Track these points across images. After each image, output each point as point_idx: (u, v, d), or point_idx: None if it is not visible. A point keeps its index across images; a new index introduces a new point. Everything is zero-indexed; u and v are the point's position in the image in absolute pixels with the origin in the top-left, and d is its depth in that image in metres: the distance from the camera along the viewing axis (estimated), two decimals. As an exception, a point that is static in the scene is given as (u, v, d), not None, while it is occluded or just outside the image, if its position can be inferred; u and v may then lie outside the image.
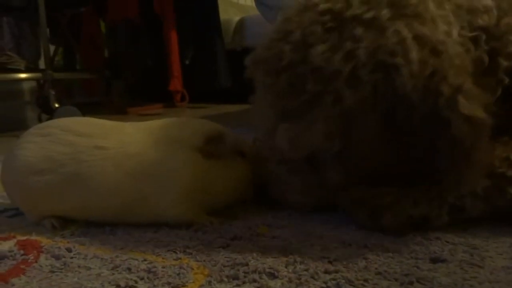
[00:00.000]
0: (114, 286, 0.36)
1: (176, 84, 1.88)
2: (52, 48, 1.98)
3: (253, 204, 0.53)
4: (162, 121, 0.51)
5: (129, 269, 0.39)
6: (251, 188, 0.52)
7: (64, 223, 0.50)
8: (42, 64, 1.67)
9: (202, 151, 0.48)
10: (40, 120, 1.54)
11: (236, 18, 2.19)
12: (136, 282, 0.36)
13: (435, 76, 0.38)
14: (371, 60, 0.39)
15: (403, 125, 0.40)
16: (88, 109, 2.09)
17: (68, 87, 2.39)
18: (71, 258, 0.42)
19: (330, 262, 0.39)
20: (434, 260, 0.38)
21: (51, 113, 1.36)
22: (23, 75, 1.44)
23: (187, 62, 2.01)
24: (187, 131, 0.49)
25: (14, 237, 0.48)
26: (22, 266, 0.40)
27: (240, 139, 0.52)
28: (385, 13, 0.41)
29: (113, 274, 0.38)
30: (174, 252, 0.42)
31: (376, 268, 0.37)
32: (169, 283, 0.36)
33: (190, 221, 0.47)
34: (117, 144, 0.47)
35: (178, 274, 0.37)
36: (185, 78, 2.00)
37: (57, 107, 1.36)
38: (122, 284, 0.36)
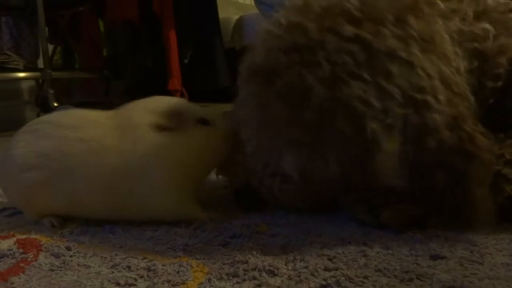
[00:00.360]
0: (114, 285, 0.36)
1: (175, 83, 1.87)
2: (50, 47, 1.98)
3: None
4: (122, 109, 0.50)
5: (129, 267, 0.39)
6: (222, 152, 0.50)
7: (63, 222, 0.49)
8: (40, 64, 1.67)
9: (158, 126, 0.46)
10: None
11: (235, 17, 2.18)
12: (135, 280, 0.36)
13: (459, 119, 0.40)
14: (404, 95, 0.40)
15: (429, 160, 0.40)
16: (87, 109, 2.09)
17: (67, 86, 2.39)
18: (71, 256, 0.42)
19: (329, 260, 0.38)
20: (433, 257, 0.38)
21: (50, 112, 1.36)
22: (22, 74, 1.44)
23: (186, 61, 2.01)
24: (138, 113, 0.48)
25: (13, 235, 0.48)
26: (22, 265, 0.40)
27: (202, 109, 0.50)
28: (415, 50, 0.41)
29: (112, 272, 0.38)
30: (174, 250, 0.42)
31: (375, 265, 0.37)
32: (168, 281, 0.36)
33: (187, 214, 0.47)
34: (95, 135, 0.46)
35: (178, 272, 0.37)
36: (184, 77, 1.99)
37: (56, 107, 1.36)
38: (122, 282, 0.36)
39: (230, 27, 2.14)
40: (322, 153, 0.42)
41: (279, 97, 0.42)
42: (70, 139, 0.46)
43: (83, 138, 0.46)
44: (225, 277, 0.36)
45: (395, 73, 0.40)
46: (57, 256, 0.42)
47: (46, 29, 1.94)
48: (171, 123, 0.46)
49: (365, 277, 0.35)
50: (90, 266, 0.39)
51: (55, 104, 1.36)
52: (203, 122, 0.49)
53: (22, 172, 0.47)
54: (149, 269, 0.38)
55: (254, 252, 0.40)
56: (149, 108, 0.48)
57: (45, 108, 1.43)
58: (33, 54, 1.78)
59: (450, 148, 0.40)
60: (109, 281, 0.36)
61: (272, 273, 0.36)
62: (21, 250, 0.43)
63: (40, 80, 1.65)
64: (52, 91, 1.37)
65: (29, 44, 1.73)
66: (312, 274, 0.36)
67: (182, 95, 2.01)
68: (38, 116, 1.62)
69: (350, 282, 0.34)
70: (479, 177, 0.40)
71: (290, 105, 0.41)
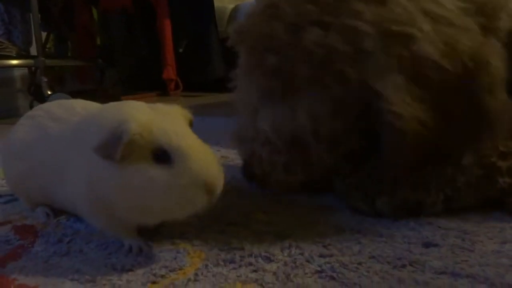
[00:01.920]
0: (111, 270, 0.36)
1: (169, 72, 1.87)
2: (43, 35, 1.96)
3: (247, 190, 0.53)
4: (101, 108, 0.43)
5: (125, 253, 0.39)
6: (173, 208, 0.35)
7: (59, 211, 0.49)
8: (33, 52, 1.65)
9: (99, 152, 0.34)
10: (32, 108, 1.52)
11: (231, 6, 2.17)
12: (132, 266, 0.37)
13: (450, 42, 0.39)
14: (380, 30, 0.39)
15: (437, 91, 0.40)
16: (80, 97, 2.06)
17: (61, 75, 2.36)
18: (67, 243, 0.42)
19: (324, 247, 0.39)
20: (426, 245, 0.39)
21: (43, 101, 1.35)
22: (14, 62, 1.42)
23: (180, 50, 2.00)
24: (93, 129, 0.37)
25: (10, 222, 0.48)
26: (19, 251, 0.40)
27: (172, 135, 0.35)
28: None
29: (109, 258, 0.38)
30: (171, 237, 0.42)
31: (369, 252, 0.38)
32: (166, 267, 0.36)
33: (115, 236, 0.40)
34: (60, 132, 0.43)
35: (175, 258, 0.38)
36: (179, 67, 1.98)
37: (50, 95, 1.35)
38: (119, 267, 0.36)
39: (226, 16, 2.13)
40: (291, 104, 0.43)
41: (251, 51, 0.45)
42: (54, 132, 0.43)
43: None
44: (221, 263, 0.37)
45: (364, 11, 0.40)
46: (53, 243, 0.42)
47: (39, 16, 1.93)
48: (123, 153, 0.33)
49: (359, 263, 0.36)
50: (86, 253, 0.40)
51: (49, 92, 1.35)
52: (162, 156, 0.34)
53: (12, 159, 0.46)
54: (145, 256, 0.38)
55: (250, 239, 0.41)
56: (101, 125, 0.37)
57: (38, 96, 1.42)
58: (25, 41, 1.76)
59: (452, 75, 0.39)
60: (105, 266, 0.37)
61: (268, 259, 0.37)
62: (17, 237, 0.44)
63: (33, 68, 1.63)
64: (46, 79, 1.35)
65: (21, 31, 1.71)
66: (308, 261, 0.37)
67: (177, 85, 2.01)
68: (31, 104, 1.61)
69: (345, 268, 0.35)
70: (489, 87, 0.40)
71: (259, 56, 0.44)
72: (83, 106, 0.45)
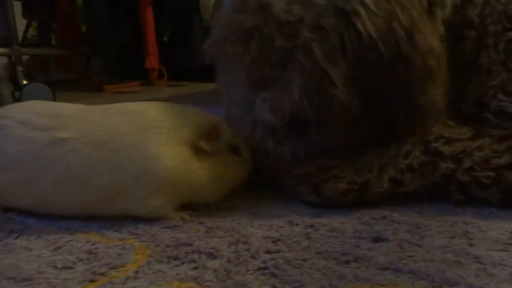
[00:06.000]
0: (51, 267, 0.35)
1: (152, 61, 1.84)
2: (24, 23, 1.92)
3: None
4: (141, 104, 0.46)
5: (70, 250, 0.38)
6: (242, 185, 0.48)
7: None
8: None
9: (194, 146, 0.43)
10: (13, 97, 1.50)
11: (215, -6, 2.14)
12: (74, 263, 0.36)
13: (391, 18, 0.40)
14: (330, 6, 0.40)
15: (371, 74, 0.41)
16: (64, 86, 2.04)
17: (45, 63, 2.33)
18: (14, 239, 0.41)
19: (273, 242, 0.39)
20: (376, 239, 0.38)
21: (20, 90, 1.33)
22: (-13, 50, 1.38)
23: (165, 39, 1.97)
24: (181, 121, 0.44)
25: (-41, 218, 0.47)
26: (-38, 248, 0.40)
27: (235, 134, 0.47)
28: None
29: (53, 255, 0.38)
30: (120, 233, 0.41)
31: (317, 248, 0.37)
32: (107, 264, 0.35)
33: (161, 217, 0.44)
34: (80, 133, 0.43)
35: (119, 255, 0.37)
36: (163, 55, 1.96)
37: (26, 84, 1.32)
38: (59, 265, 0.35)
39: (210, 4, 2.09)
40: (281, 83, 0.44)
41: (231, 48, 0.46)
42: (42, 142, 0.43)
43: (62, 137, 0.43)
44: (165, 260, 0.36)
45: None
46: (0, 238, 0.41)
47: (20, 3, 1.89)
48: (209, 147, 0.44)
49: (304, 260, 0.35)
50: (31, 249, 0.39)
51: (24, 82, 1.32)
52: (235, 149, 0.47)
53: None
54: (90, 252, 0.38)
55: (200, 235, 0.40)
56: (194, 122, 0.45)
57: (15, 85, 1.39)
58: (6, 29, 1.72)
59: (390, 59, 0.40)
60: (47, 264, 0.36)
61: (212, 256, 0.36)
62: (-36, 233, 0.43)
63: (13, 57, 1.59)
64: (21, 68, 1.32)
65: (0, 18, 1.67)
66: (253, 257, 0.36)
67: (160, 74, 1.98)
68: (12, 93, 1.58)
69: (288, 264, 0.35)
70: (421, 73, 0.41)
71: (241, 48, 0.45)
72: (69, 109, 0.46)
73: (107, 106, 0.47)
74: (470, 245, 0.37)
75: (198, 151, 0.44)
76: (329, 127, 0.44)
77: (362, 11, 0.39)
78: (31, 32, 2.11)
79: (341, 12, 0.40)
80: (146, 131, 0.43)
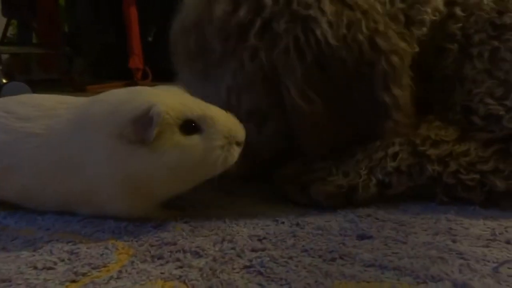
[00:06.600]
0: (31, 268, 0.34)
1: (136, 61, 1.82)
2: (4, 21, 1.88)
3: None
4: (95, 98, 0.44)
5: (51, 250, 0.37)
6: (212, 169, 0.40)
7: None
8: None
9: (126, 137, 0.38)
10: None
11: (201, -6, 2.12)
12: (55, 263, 0.35)
13: (351, 26, 0.40)
14: (286, 11, 0.40)
15: (337, 80, 0.41)
16: (45, 86, 2.00)
17: (26, 63, 2.28)
18: (-8, 239, 0.40)
19: (259, 240, 0.38)
20: (361, 237, 0.39)
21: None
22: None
23: (150, 39, 1.96)
24: (109, 112, 0.39)
25: None
26: None
27: (198, 107, 0.39)
28: None
29: (33, 255, 0.36)
30: (102, 232, 0.41)
31: (303, 246, 0.37)
32: (89, 264, 0.35)
33: (144, 216, 0.42)
34: (47, 129, 0.42)
35: (102, 255, 0.36)
36: (148, 55, 1.94)
37: (5, 83, 1.29)
38: (40, 266, 0.34)
39: (196, 4, 2.09)
40: (214, 80, 0.45)
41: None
42: (22, 133, 0.42)
43: (35, 132, 0.42)
44: (149, 259, 0.35)
45: None
46: (-23, 239, 0.40)
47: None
48: (144, 135, 0.37)
49: (290, 258, 0.35)
50: (10, 250, 0.38)
51: (4, 81, 1.29)
52: (191, 127, 0.38)
53: None
54: (71, 252, 0.37)
55: (185, 234, 0.40)
56: (123, 112, 0.38)
57: (-4, 84, 1.36)
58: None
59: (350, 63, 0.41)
60: (26, 265, 0.35)
61: (197, 255, 0.36)
62: None
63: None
64: (0, 67, 1.29)
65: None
66: (238, 255, 0.36)
67: (145, 74, 1.96)
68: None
69: (274, 262, 0.34)
70: (386, 78, 0.41)
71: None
72: (55, 100, 0.45)
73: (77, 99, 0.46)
74: (454, 241, 0.37)
75: (136, 142, 0.38)
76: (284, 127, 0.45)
77: (322, 19, 0.39)
78: (11, 30, 2.06)
79: (297, 17, 0.40)
80: (91, 132, 0.40)
